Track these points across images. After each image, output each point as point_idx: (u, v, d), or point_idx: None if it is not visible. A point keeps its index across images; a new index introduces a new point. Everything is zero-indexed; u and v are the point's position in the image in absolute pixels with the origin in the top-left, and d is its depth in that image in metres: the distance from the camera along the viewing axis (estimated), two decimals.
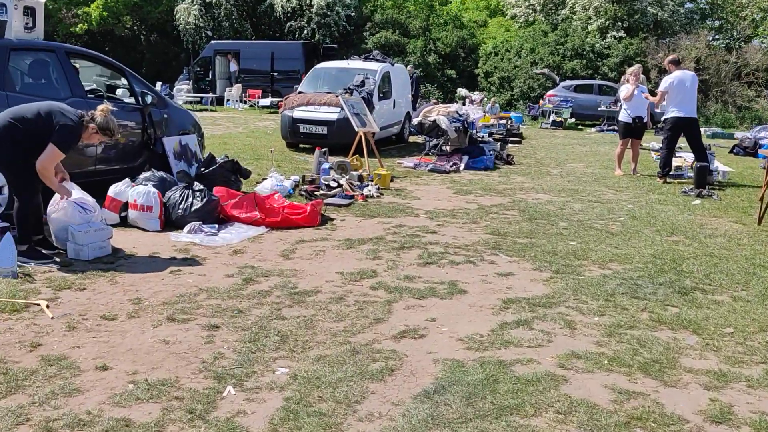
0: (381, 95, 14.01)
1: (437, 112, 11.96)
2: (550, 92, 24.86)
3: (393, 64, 15.12)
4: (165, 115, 8.12)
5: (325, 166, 9.03)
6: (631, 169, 11.70)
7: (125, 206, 6.19)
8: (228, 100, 26.47)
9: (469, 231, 6.70)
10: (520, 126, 22.22)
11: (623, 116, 11.66)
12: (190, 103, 25.60)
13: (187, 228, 6.02)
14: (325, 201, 7.71)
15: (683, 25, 29.26)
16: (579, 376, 3.47)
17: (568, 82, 25.14)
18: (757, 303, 4.67)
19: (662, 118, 11.25)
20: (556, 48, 28.14)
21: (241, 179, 8.24)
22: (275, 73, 27.32)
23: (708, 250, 6.20)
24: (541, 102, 25.22)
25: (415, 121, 12.00)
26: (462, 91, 16.61)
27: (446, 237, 6.39)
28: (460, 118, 12.18)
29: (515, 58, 28.94)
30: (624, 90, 11.58)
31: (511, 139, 16.78)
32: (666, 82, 10.62)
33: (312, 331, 3.98)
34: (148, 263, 5.22)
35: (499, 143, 14.77)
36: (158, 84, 29.15)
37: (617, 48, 27.36)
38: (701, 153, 10.49)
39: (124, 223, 6.25)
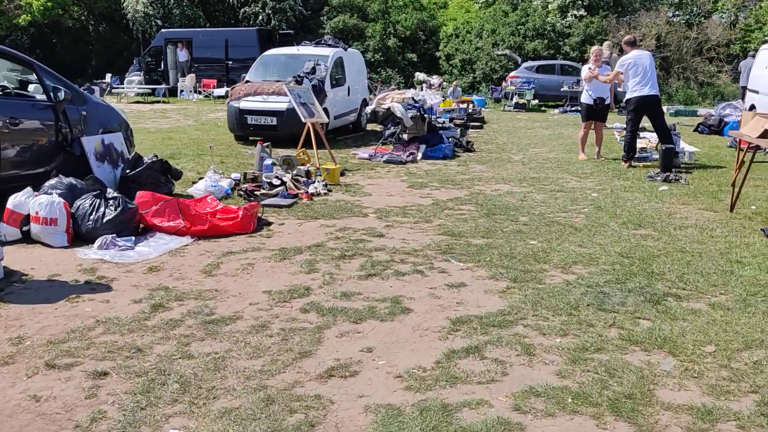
0: (334, 82, 13.28)
1: (391, 99, 11.30)
2: (512, 74, 24.34)
3: (346, 49, 14.37)
4: (83, 113, 7.30)
5: (268, 162, 8.31)
6: (595, 152, 11.21)
7: (27, 219, 5.42)
8: (182, 91, 25.44)
9: (421, 232, 6.08)
10: (482, 110, 21.71)
11: (585, 98, 11.14)
12: (142, 95, 24.53)
13: (98, 242, 5.29)
14: (264, 202, 7.01)
15: (643, 2, 28.94)
16: (538, 422, 2.88)
17: (530, 63, 24.64)
18: (738, 311, 4.13)
19: (624, 99, 10.75)
20: (517, 28, 27.59)
21: (173, 180, 7.50)
22: (230, 62, 26.33)
23: (679, 244, 5.68)
24: (503, 84, 24.71)
25: (368, 109, 11.34)
26: (420, 76, 15.95)
27: (394, 241, 5.75)
28: (416, 105, 11.53)
29: (476, 40, 28.34)
30: (584, 71, 11.06)
31: (472, 124, 16.21)
32: (622, 62, 10.13)
33: (222, 373, 3.31)
34: (43, 289, 4.49)
35: (459, 129, 14.18)
36: (108, 76, 27.94)
37: (578, 27, 26.91)
38: (666, 134, 10.03)
39: (27, 238, 5.49)
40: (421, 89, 16.32)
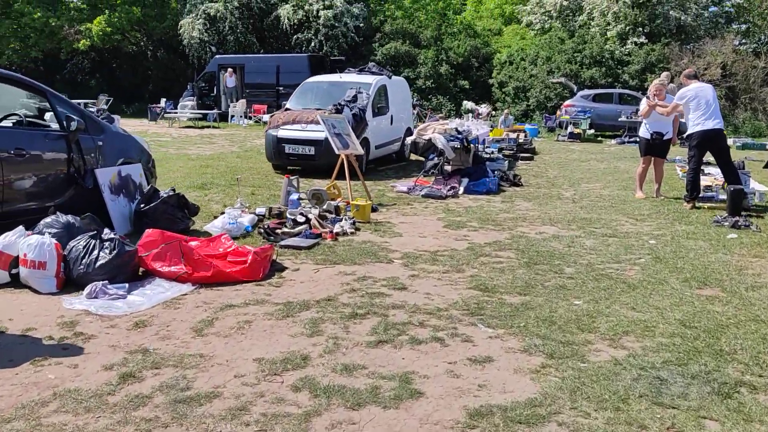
0: (376, 111, 12.78)
1: (432, 130, 10.68)
2: (567, 102, 23.45)
3: (390, 77, 13.87)
4: (99, 143, 6.94)
5: (294, 196, 7.77)
6: (654, 190, 10.30)
7: (16, 261, 4.99)
8: (232, 116, 25.50)
9: (449, 284, 5.39)
10: (534, 139, 20.86)
11: (642, 132, 10.28)
12: (194, 119, 24.64)
13: (87, 289, 4.80)
14: (282, 243, 6.45)
15: (708, 29, 27.63)
16: None
17: (586, 92, 23.72)
18: None
19: (685, 135, 9.85)
20: (573, 56, 26.69)
21: (190, 216, 7.03)
22: (280, 87, 26.25)
23: (753, 311, 4.82)
24: (558, 113, 23.82)
25: (409, 140, 10.75)
26: (468, 104, 15.30)
27: (417, 296, 5.08)
28: (459, 136, 10.87)
29: (531, 67, 27.56)
30: (642, 105, 10.21)
31: (522, 155, 15.44)
32: (682, 95, 9.27)
33: None
34: (13, 346, 3.99)
35: (507, 161, 13.44)
36: (162, 101, 28.35)
37: (638, 55, 25.81)
38: (732, 173, 9.08)
39: (16, 282, 5.05)
40: (468, 119, 15.64)
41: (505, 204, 9.51)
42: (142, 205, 6.73)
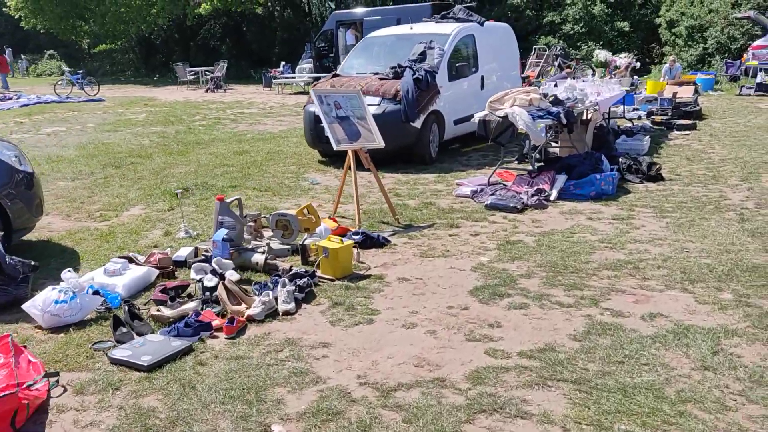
0: (453, 72, 9.27)
1: (512, 101, 7.03)
2: (756, 43, 17.88)
3: (482, 23, 10.19)
4: None
5: (221, 235, 4.68)
6: None
7: None
8: None
9: None
10: (707, 94, 15.92)
11: None
12: (310, 83, 22.36)
13: None
14: (111, 355, 3.45)
15: None
16: None
17: None
18: None
19: None
20: None
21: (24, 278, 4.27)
22: None
23: None
24: (744, 57, 18.33)
25: (477, 116, 7.24)
26: (601, 54, 11.23)
27: None
28: (554, 110, 7.10)
29: (709, 1, 21.76)
30: None
31: (679, 122, 11.07)
32: None
33: None
34: None
35: (648, 137, 9.36)
36: (281, 64, 26.47)
37: None
38: None
39: None
40: (602, 74, 11.49)
41: (616, 224, 5.77)
42: None
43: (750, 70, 17.14)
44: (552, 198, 6.68)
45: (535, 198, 6.55)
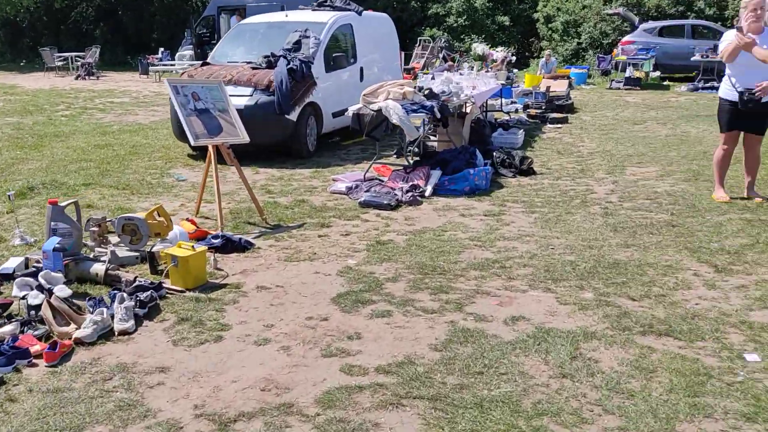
0: (331, 63, 9.00)
1: (386, 94, 6.84)
2: (625, 38, 18.82)
3: (360, 12, 9.95)
4: None
5: (52, 244, 4.16)
6: (745, 186, 6.29)
7: None
8: None
9: None
10: (581, 87, 16.60)
11: (723, 91, 6.18)
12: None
13: None
14: None
15: None
16: None
17: (650, 24, 19.01)
18: None
19: None
20: None
21: None
22: None
23: None
24: (614, 52, 19.25)
25: (351, 109, 7.01)
26: (479, 48, 11.42)
27: None
28: (428, 103, 6.98)
29: None
30: (724, 41, 6.08)
31: (552, 116, 11.37)
32: None
33: None
34: None
35: (521, 132, 9.51)
36: (160, 51, 25.12)
37: None
38: None
39: None
40: (480, 68, 11.61)
41: (487, 221, 5.72)
42: None
43: (620, 65, 18.00)
44: (427, 194, 6.56)
45: (410, 194, 6.40)
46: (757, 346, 3.31)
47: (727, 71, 6.12)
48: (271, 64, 8.52)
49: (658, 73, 17.87)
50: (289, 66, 8.30)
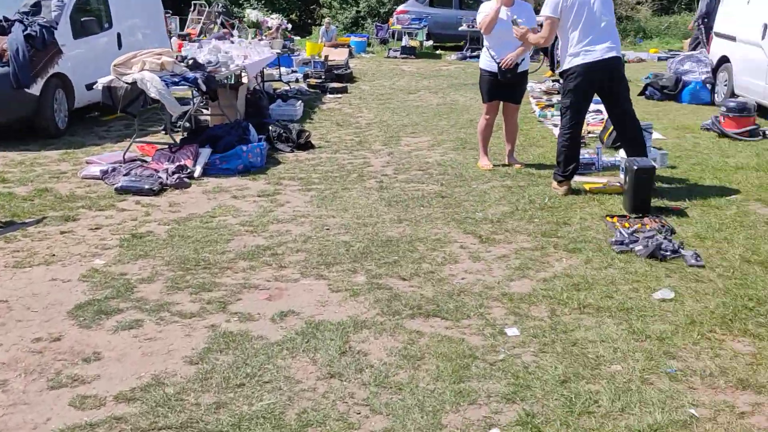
0: (79, 28, 7.96)
1: (141, 65, 6.13)
2: (400, 8, 19.31)
3: None
4: None
5: None
6: (506, 154, 6.62)
7: None
8: None
9: None
10: (360, 56, 16.78)
11: (483, 62, 6.43)
12: None
13: None
14: None
15: None
16: None
17: None
18: None
19: (558, 69, 6.20)
20: None
21: None
22: None
23: None
24: (390, 21, 19.69)
25: (101, 81, 6.20)
26: (253, 14, 10.88)
27: None
28: (191, 75, 6.40)
29: None
30: (483, 9, 6.30)
31: (332, 86, 11.26)
32: (552, 4, 5.42)
33: None
34: None
35: (300, 103, 9.26)
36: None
37: None
38: (633, 137, 5.54)
39: None
40: (251, 36, 11.10)
41: (261, 202, 5.38)
42: None
43: (396, 34, 18.45)
44: (196, 175, 6.04)
45: (176, 176, 5.84)
46: (517, 319, 3.39)
47: (485, 43, 6.34)
48: (3, 30, 7.31)
49: (431, 43, 18.62)
50: (26, 32, 7.19)
